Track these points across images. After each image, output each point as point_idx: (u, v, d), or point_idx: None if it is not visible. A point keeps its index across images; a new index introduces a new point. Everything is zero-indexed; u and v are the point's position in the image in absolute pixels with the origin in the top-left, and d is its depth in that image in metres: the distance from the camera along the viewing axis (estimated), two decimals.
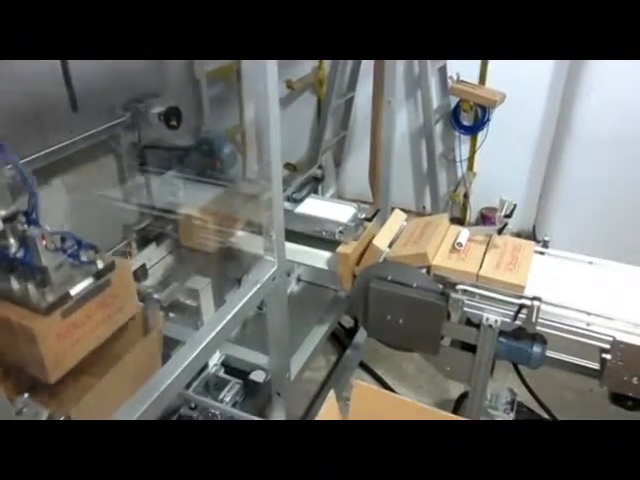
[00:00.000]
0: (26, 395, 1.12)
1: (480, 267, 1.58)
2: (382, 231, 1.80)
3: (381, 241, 1.74)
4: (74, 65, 1.67)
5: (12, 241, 1.11)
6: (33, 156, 1.59)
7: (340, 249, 1.77)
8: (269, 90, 1.21)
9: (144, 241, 2.01)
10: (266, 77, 1.18)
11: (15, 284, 1.10)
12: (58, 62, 1.64)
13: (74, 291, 1.09)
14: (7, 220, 1.09)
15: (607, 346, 1.41)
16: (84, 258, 1.15)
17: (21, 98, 1.56)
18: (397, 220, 1.88)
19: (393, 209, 1.98)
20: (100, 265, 1.15)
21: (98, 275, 1.14)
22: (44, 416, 1.10)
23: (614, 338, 1.39)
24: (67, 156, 1.72)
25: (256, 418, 1.55)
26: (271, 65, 1.18)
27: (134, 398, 1.05)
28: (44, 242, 1.09)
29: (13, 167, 1.08)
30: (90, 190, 1.90)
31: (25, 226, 1.11)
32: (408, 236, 1.76)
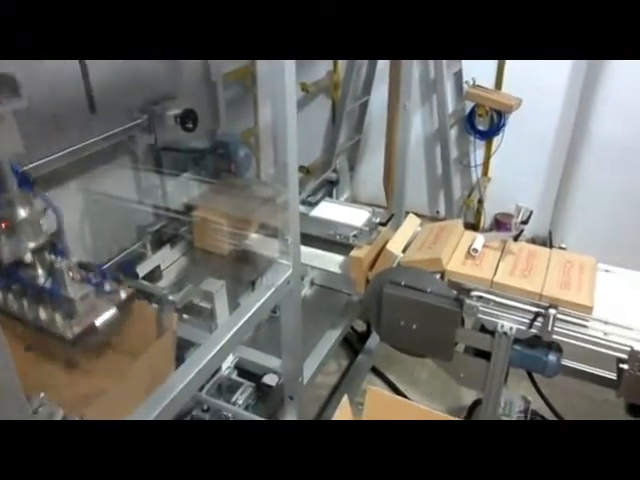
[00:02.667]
0: (42, 394, 1.13)
1: (495, 273, 1.56)
2: (396, 236, 1.80)
3: (395, 246, 1.74)
4: (93, 67, 1.68)
5: (40, 272, 1.16)
6: (51, 157, 1.61)
7: (353, 253, 1.77)
8: (287, 91, 1.20)
9: (158, 242, 2.02)
10: (284, 78, 1.18)
11: (43, 314, 1.15)
12: (77, 64, 1.65)
13: (99, 321, 1.14)
14: (36, 252, 1.14)
15: (625, 356, 1.39)
16: (108, 288, 1.20)
17: (40, 99, 1.57)
18: (411, 225, 1.87)
19: (407, 213, 1.97)
20: (123, 295, 1.21)
21: (121, 305, 1.19)
22: (59, 416, 1.11)
23: (632, 348, 1.37)
24: (84, 157, 1.74)
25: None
26: (289, 66, 1.18)
27: (149, 400, 1.05)
28: (70, 274, 1.14)
29: (41, 199, 1.13)
30: (106, 191, 1.91)
31: (52, 257, 1.16)
32: (422, 241, 1.76)
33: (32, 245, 1.13)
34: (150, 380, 1.17)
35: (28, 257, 1.14)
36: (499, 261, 1.62)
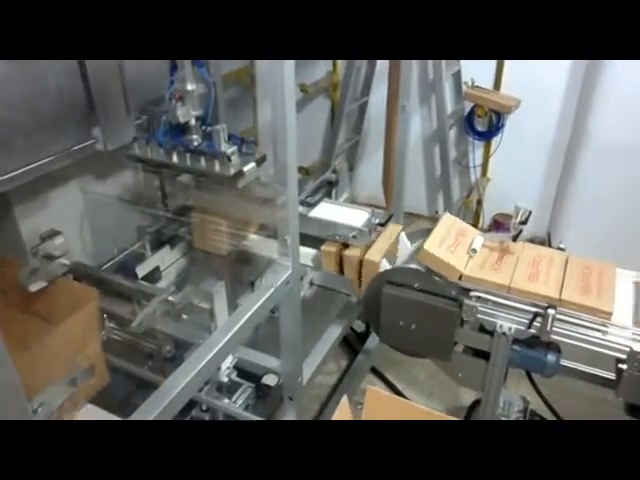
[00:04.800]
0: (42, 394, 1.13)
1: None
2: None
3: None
4: (92, 67, 1.68)
5: (195, 136, 1.52)
6: (51, 157, 1.60)
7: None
8: (286, 92, 1.20)
9: (158, 243, 2.02)
10: (283, 79, 1.18)
11: (203, 162, 1.51)
12: (76, 64, 1.65)
13: (246, 168, 1.49)
14: (198, 119, 1.50)
15: (623, 356, 1.40)
16: (245, 150, 1.53)
17: (40, 99, 1.57)
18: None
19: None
20: (257, 155, 1.54)
21: (258, 161, 1.54)
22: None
23: (631, 348, 1.38)
24: (84, 157, 1.73)
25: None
26: (288, 66, 1.18)
27: (149, 400, 1.05)
28: (222, 136, 1.46)
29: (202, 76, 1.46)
30: (106, 191, 1.91)
31: (203, 127, 1.53)
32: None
33: (195, 113, 1.48)
34: (71, 349, 1.25)
35: (193, 122, 1.49)
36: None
